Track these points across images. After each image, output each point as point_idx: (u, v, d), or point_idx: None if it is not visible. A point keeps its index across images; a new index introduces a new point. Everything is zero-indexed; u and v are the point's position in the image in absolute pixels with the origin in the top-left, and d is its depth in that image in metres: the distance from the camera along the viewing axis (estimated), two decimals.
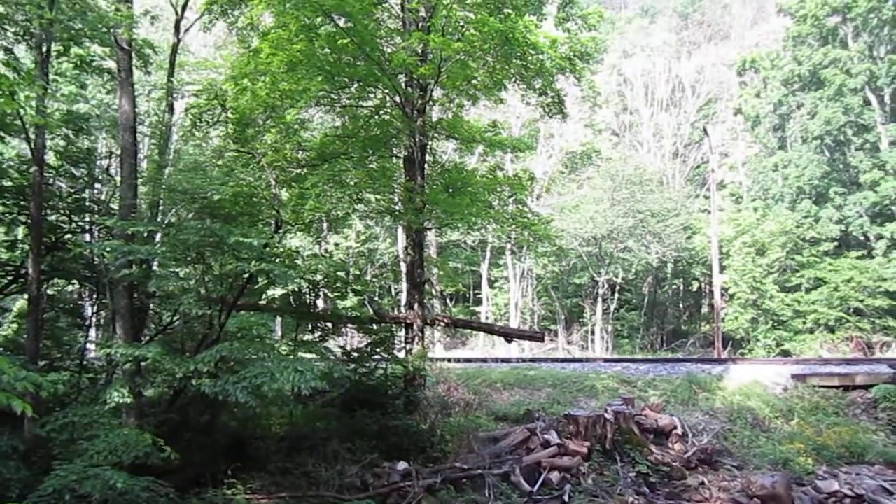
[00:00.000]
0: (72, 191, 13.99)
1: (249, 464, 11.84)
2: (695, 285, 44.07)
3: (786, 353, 32.81)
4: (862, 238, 36.34)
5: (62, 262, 13.26)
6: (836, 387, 18.12)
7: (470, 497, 12.05)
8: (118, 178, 12.50)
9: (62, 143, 13.74)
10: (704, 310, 44.05)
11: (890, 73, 35.03)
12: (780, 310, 34.90)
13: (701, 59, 52.26)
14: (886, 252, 33.99)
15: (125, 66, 11.92)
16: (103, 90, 22.89)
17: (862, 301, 33.46)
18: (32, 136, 11.54)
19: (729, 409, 16.65)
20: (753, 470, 13.99)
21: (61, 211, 13.43)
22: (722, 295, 33.51)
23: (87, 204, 14.20)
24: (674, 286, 45.08)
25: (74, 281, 14.72)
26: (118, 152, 12.63)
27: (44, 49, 11.89)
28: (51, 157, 13.53)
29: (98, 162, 15.47)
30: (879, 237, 34.71)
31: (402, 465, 12.41)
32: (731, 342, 36.07)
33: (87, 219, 14.11)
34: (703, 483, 13.45)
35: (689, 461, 14.13)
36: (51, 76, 12.85)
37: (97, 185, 15.01)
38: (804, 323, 34.48)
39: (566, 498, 12.21)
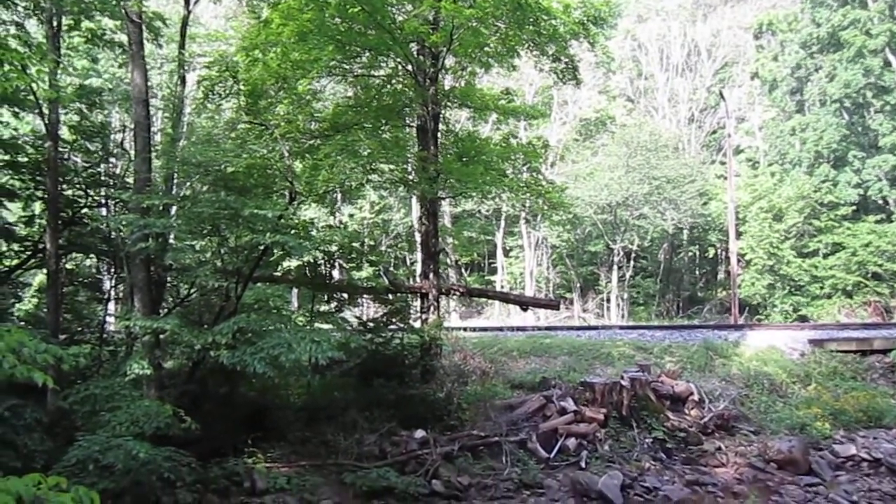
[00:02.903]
0: (87, 165, 14.05)
1: (269, 433, 11.98)
2: (711, 252, 43.84)
3: (803, 319, 32.65)
4: (881, 202, 35.93)
5: (79, 237, 13.38)
6: (854, 351, 18.05)
7: (487, 464, 12.16)
8: (132, 152, 12.54)
9: (76, 117, 13.76)
10: (721, 276, 43.85)
11: None
12: (797, 275, 34.70)
13: (717, 21, 51.29)
14: None
15: (136, 40, 11.89)
16: (115, 64, 22.85)
17: (880, 265, 33.19)
18: (46, 111, 11.59)
19: (745, 375, 16.62)
20: (770, 435, 13.99)
21: (77, 186, 13.51)
22: (738, 261, 33.31)
23: (103, 178, 14.26)
24: (689, 253, 44.84)
25: (92, 255, 14.84)
26: (132, 126, 12.67)
27: (54, 23, 11.88)
28: (65, 132, 13.58)
29: (112, 136, 15.49)
30: None
31: (419, 434, 12.51)
32: (747, 308, 35.94)
33: (103, 193, 14.17)
34: (719, 448, 13.50)
35: (706, 427, 14.16)
36: (62, 50, 12.85)
37: (112, 160, 15.06)
38: (822, 288, 34.29)
39: (583, 464, 12.30)
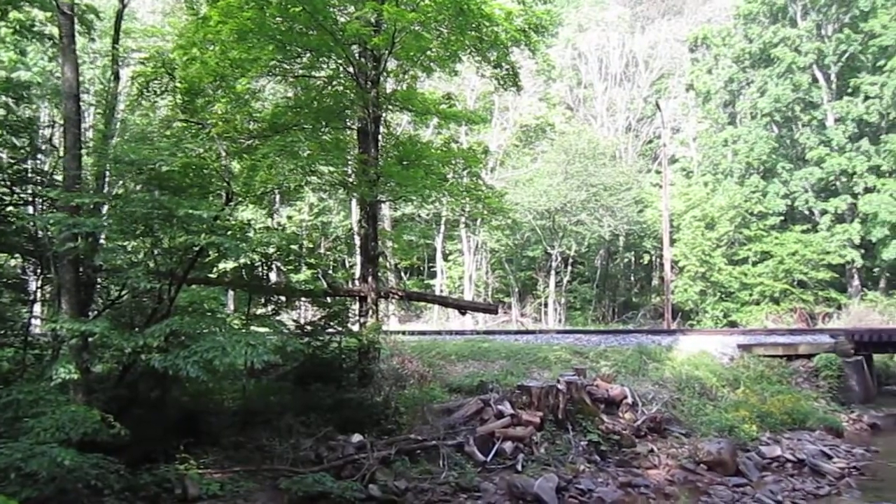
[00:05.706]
0: (13, 161, 13.48)
1: (202, 439, 11.71)
2: (646, 258, 44.84)
3: (733, 324, 33.71)
4: (807, 212, 37.31)
5: (4, 236, 12.80)
6: (781, 356, 18.72)
7: (424, 468, 12.14)
8: (62, 149, 12.13)
9: (1, 111, 13.23)
10: (655, 282, 44.83)
11: (837, 52, 35.80)
12: (727, 282, 35.79)
13: (654, 34, 52.61)
14: (830, 226, 34.99)
15: (67, 32, 11.49)
16: (45, 57, 22.13)
17: (806, 273, 34.48)
18: None
19: (678, 379, 17.03)
20: (700, 437, 14.35)
21: (2, 182, 12.96)
22: (672, 268, 34.14)
23: (30, 175, 13.71)
24: (625, 259, 45.75)
25: (17, 255, 14.29)
26: (61, 122, 12.23)
27: None
28: None
29: (40, 131, 14.94)
30: (824, 212, 35.70)
31: (356, 438, 12.42)
32: (680, 314, 36.88)
33: (30, 190, 13.62)
34: (652, 450, 13.78)
35: (639, 430, 14.44)
36: None
37: (40, 156, 14.51)
38: (750, 295, 35.43)
39: (519, 467, 12.39)
